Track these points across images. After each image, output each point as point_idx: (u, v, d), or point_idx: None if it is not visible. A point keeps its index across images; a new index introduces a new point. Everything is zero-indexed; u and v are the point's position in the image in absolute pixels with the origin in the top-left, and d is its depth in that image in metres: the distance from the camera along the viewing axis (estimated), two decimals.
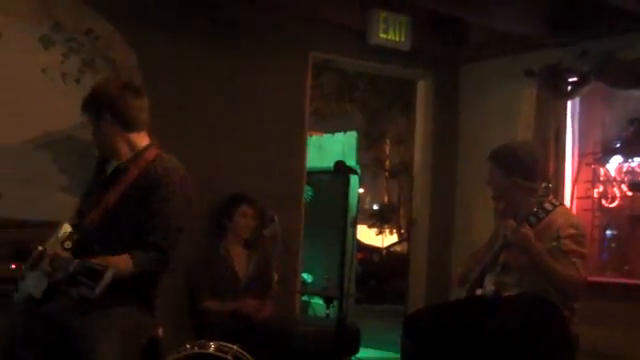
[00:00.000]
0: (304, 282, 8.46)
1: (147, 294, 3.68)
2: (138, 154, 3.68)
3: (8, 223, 4.40)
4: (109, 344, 3.38)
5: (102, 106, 3.65)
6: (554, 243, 4.40)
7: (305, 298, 8.64)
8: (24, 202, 5.15)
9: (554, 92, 6.69)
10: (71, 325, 3.47)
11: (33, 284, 3.50)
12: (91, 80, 5.59)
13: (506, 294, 4.49)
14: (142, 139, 3.73)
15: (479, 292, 4.60)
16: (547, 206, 4.43)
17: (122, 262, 3.42)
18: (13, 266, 4.66)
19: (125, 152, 3.69)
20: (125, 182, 3.60)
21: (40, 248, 3.57)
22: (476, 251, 4.84)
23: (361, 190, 14.56)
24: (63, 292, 3.48)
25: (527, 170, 4.58)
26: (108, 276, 3.13)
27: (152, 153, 3.68)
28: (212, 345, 4.21)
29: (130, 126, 3.68)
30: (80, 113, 3.71)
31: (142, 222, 3.53)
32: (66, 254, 3.46)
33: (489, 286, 4.56)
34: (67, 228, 3.55)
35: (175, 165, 3.66)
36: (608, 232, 6.56)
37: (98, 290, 3.13)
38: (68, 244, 3.51)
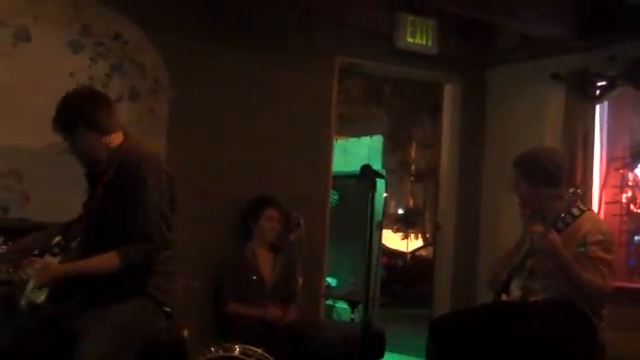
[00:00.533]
0: (329, 286, 8.45)
1: (143, 285, 3.71)
2: (112, 154, 3.78)
3: (36, 226, 4.42)
4: (99, 337, 3.47)
5: (73, 118, 3.77)
6: (581, 249, 4.39)
7: (330, 302, 8.64)
8: (52, 205, 5.18)
9: (582, 96, 6.65)
10: (72, 326, 3.58)
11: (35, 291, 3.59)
12: (118, 84, 5.64)
13: (532, 299, 4.48)
14: (117, 139, 3.83)
15: (505, 297, 4.59)
16: (575, 211, 4.42)
17: (106, 260, 3.53)
18: None
19: (104, 157, 3.80)
20: (103, 183, 3.74)
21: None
22: (503, 255, 4.83)
23: (386, 194, 14.54)
24: (67, 295, 3.60)
25: (551, 177, 4.57)
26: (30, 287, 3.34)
27: (123, 148, 3.79)
28: (237, 348, 4.23)
29: (104, 129, 3.79)
30: (53, 133, 3.83)
31: (125, 216, 3.62)
32: (50, 260, 3.64)
33: (516, 291, 4.55)
34: (57, 237, 3.71)
35: (144, 152, 3.78)
36: (636, 237, 6.51)
37: (23, 302, 3.34)
38: (55, 250, 3.67)
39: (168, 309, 3.78)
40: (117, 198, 3.66)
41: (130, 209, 3.61)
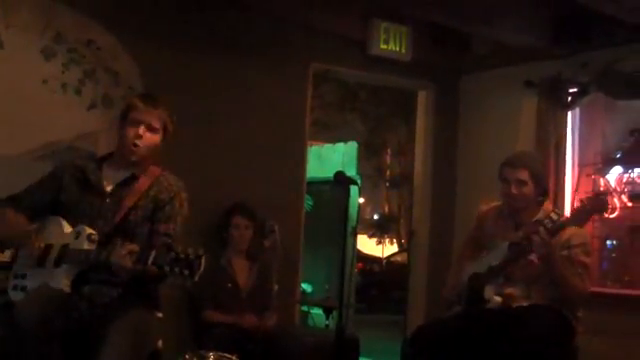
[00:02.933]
0: (304, 292, 8.46)
1: (156, 295, 3.82)
2: (145, 166, 3.89)
3: None
4: (120, 343, 3.46)
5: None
6: (564, 252, 4.46)
7: (305, 308, 8.64)
8: None
9: (554, 103, 6.70)
10: (91, 321, 3.59)
11: (58, 279, 3.60)
12: (91, 91, 5.62)
13: (516, 305, 4.50)
14: None
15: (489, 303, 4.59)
16: (553, 216, 4.47)
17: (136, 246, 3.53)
18: None
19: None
20: (138, 190, 3.79)
21: (42, 245, 3.72)
22: (454, 271, 4.91)
23: (361, 200, 14.54)
24: (91, 283, 3.64)
25: (545, 184, 4.74)
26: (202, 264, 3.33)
27: (157, 168, 3.92)
28: (211, 355, 4.21)
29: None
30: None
31: (153, 226, 3.74)
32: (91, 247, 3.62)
33: (492, 297, 4.56)
34: (87, 229, 3.66)
35: (177, 182, 3.96)
36: (608, 243, 6.56)
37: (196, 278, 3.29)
38: (95, 237, 3.64)
39: (161, 315, 3.87)
40: (151, 209, 3.80)
41: (165, 222, 3.80)
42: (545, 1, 6.38)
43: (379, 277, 17.41)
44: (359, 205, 7.94)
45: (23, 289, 3.72)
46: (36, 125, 5.41)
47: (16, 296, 3.72)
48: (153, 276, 3.50)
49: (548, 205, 4.77)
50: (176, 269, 3.25)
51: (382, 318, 13.38)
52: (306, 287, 8.92)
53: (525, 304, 4.49)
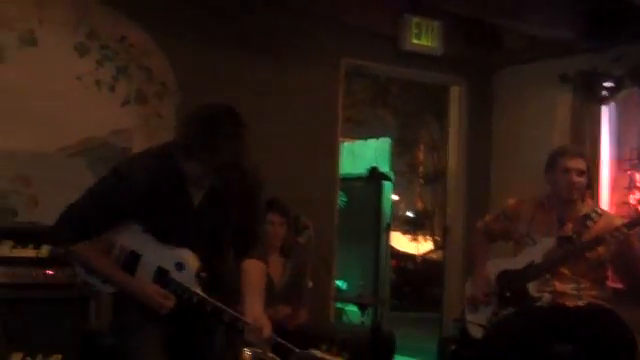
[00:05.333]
0: (338, 289, 8.44)
1: None
2: None
3: (45, 230, 4.43)
4: None
5: None
6: None
7: (339, 305, 8.63)
8: (60, 209, 5.19)
9: (589, 97, 6.64)
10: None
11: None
12: (125, 87, 5.65)
13: (570, 304, 4.45)
14: None
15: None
16: (598, 210, 4.59)
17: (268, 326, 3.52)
18: (50, 272, 4.71)
19: None
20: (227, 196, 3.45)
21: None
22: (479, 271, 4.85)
23: (395, 197, 14.48)
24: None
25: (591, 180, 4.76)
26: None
27: None
28: (246, 350, 4.22)
29: None
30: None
31: (245, 229, 3.54)
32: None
33: (543, 294, 4.50)
34: (195, 263, 3.38)
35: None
36: None
37: None
38: (203, 276, 3.40)
39: None
40: (237, 208, 3.50)
41: (255, 223, 3.64)
42: None
43: (413, 274, 17.32)
44: (392, 202, 7.91)
45: None
46: (70, 122, 5.46)
47: None
48: None
49: (589, 200, 4.73)
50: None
51: (417, 316, 13.31)
52: (340, 284, 8.90)
53: (581, 303, 4.44)
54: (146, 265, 3.36)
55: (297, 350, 3.37)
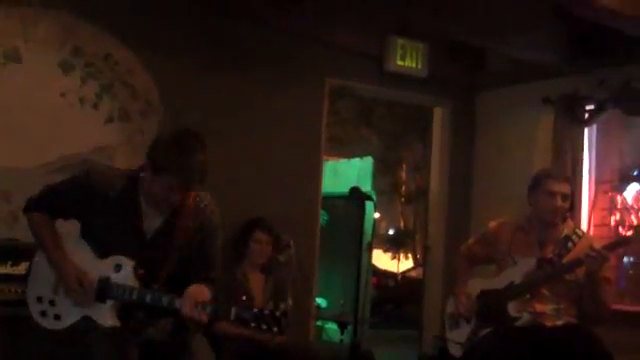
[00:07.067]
0: (319, 307, 8.44)
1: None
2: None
3: (24, 247, 4.40)
4: None
5: None
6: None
7: (319, 323, 8.62)
8: None
9: (571, 119, 6.69)
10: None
11: (106, 316, 3.58)
12: (108, 105, 5.64)
13: (549, 324, 4.47)
14: None
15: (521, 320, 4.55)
16: (578, 232, 4.60)
17: (206, 293, 3.64)
18: None
19: None
20: (181, 229, 3.74)
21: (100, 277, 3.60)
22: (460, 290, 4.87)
23: (377, 215, 14.51)
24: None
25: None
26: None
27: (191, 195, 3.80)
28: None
29: None
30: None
31: (197, 260, 3.80)
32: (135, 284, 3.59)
33: (522, 314, 4.51)
34: (131, 262, 3.60)
35: (212, 202, 3.95)
36: (625, 260, 6.52)
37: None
38: (140, 274, 3.61)
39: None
40: (196, 243, 3.82)
41: (209, 256, 3.91)
42: (561, 18, 6.37)
43: (394, 292, 17.36)
44: (374, 220, 7.92)
45: (57, 318, 3.64)
46: (53, 138, 5.44)
47: (51, 324, 3.64)
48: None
49: (570, 221, 4.76)
50: (263, 325, 3.36)
51: (397, 333, 13.33)
52: (321, 302, 8.90)
53: (559, 323, 4.47)
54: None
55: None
